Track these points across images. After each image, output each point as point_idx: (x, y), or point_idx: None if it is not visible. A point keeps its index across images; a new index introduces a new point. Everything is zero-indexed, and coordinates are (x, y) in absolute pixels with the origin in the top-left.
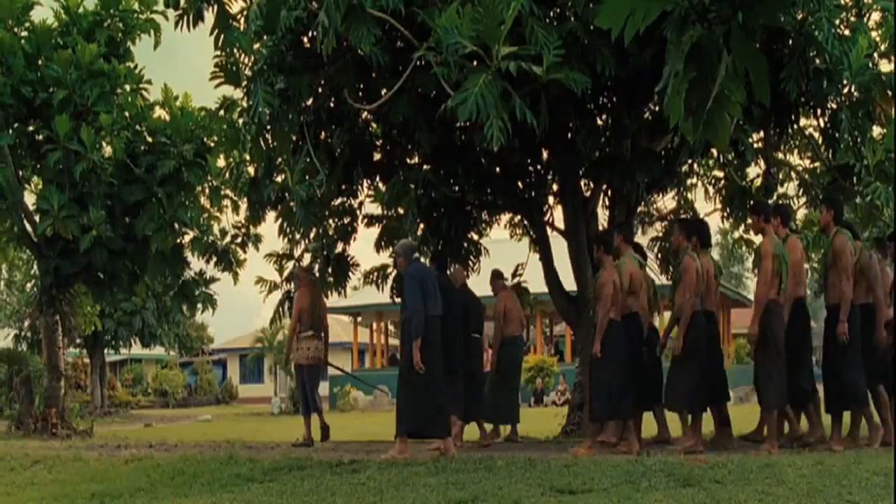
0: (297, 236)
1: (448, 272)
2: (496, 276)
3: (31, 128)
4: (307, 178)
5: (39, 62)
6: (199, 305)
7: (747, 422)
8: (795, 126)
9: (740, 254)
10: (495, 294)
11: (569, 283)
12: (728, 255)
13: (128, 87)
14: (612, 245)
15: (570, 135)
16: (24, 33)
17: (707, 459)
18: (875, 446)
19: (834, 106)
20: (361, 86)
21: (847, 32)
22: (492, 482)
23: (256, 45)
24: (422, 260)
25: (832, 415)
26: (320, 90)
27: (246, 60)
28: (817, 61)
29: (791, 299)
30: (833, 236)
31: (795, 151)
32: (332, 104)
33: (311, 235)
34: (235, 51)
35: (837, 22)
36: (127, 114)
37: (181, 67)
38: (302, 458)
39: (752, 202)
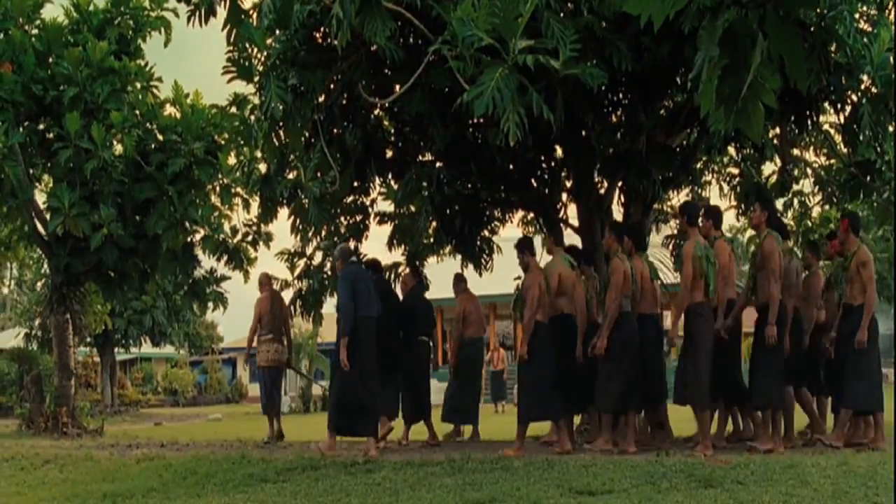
0: (310, 233)
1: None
2: (458, 279)
3: (41, 126)
4: (318, 175)
5: (50, 60)
6: (210, 304)
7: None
8: (815, 121)
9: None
10: (456, 296)
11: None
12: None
13: (138, 85)
14: (532, 246)
15: (584, 131)
16: (35, 31)
17: (728, 460)
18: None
19: (853, 100)
20: (375, 82)
21: (868, 27)
22: (509, 483)
23: (269, 41)
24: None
25: (761, 413)
26: (333, 86)
27: (259, 56)
28: (837, 55)
29: (723, 301)
30: (763, 238)
31: (811, 148)
32: (345, 100)
33: (323, 233)
34: (248, 46)
35: (857, 16)
36: (137, 111)
37: (191, 66)
38: (315, 458)
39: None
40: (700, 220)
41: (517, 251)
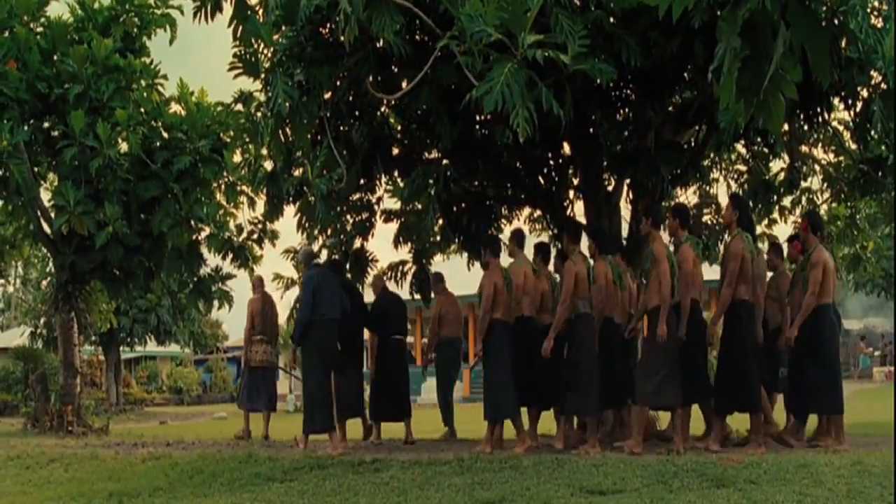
0: (317, 231)
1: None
2: (437, 279)
3: (46, 124)
4: (324, 172)
5: (55, 58)
6: (215, 302)
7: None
8: (826, 117)
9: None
10: (435, 296)
11: None
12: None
13: (143, 83)
14: (498, 246)
15: (591, 128)
16: (40, 29)
17: (740, 459)
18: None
19: (864, 96)
20: (381, 78)
21: (879, 23)
22: (519, 482)
23: (275, 36)
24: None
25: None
26: (339, 82)
27: (266, 52)
28: (849, 51)
29: (686, 305)
30: (732, 238)
31: (819, 145)
32: (351, 97)
33: (329, 231)
34: (253, 42)
35: (869, 10)
36: (142, 109)
37: (195, 64)
38: (323, 457)
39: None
40: (667, 219)
41: (483, 250)
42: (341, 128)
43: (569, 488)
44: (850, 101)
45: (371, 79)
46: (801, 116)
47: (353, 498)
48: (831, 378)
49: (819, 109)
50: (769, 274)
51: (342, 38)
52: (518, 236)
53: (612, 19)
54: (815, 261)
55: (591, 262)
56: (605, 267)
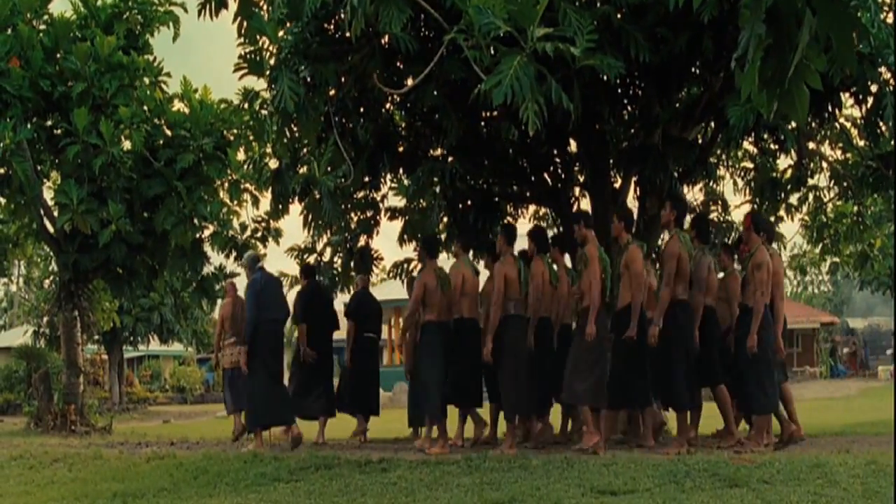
0: (323, 226)
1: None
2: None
3: (49, 122)
4: (329, 169)
5: (58, 55)
6: (219, 301)
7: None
8: (837, 113)
9: None
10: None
11: None
12: None
13: (147, 80)
14: (435, 248)
15: (598, 124)
16: (43, 26)
17: (753, 459)
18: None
19: (874, 91)
20: (387, 74)
21: (891, 18)
22: (529, 482)
23: (280, 33)
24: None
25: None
26: (344, 79)
27: (271, 48)
28: (860, 46)
29: (636, 306)
30: (669, 238)
31: (827, 142)
32: (357, 93)
33: (333, 228)
34: (258, 38)
35: (881, 3)
36: (146, 107)
37: (197, 62)
38: (329, 456)
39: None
40: (615, 223)
41: (418, 251)
42: (347, 125)
43: (579, 488)
44: (860, 97)
45: (377, 74)
46: (811, 113)
47: (361, 498)
48: (767, 378)
49: (829, 106)
50: (720, 274)
51: (348, 34)
52: (464, 240)
53: (619, 15)
54: (758, 261)
55: (553, 265)
56: (542, 266)
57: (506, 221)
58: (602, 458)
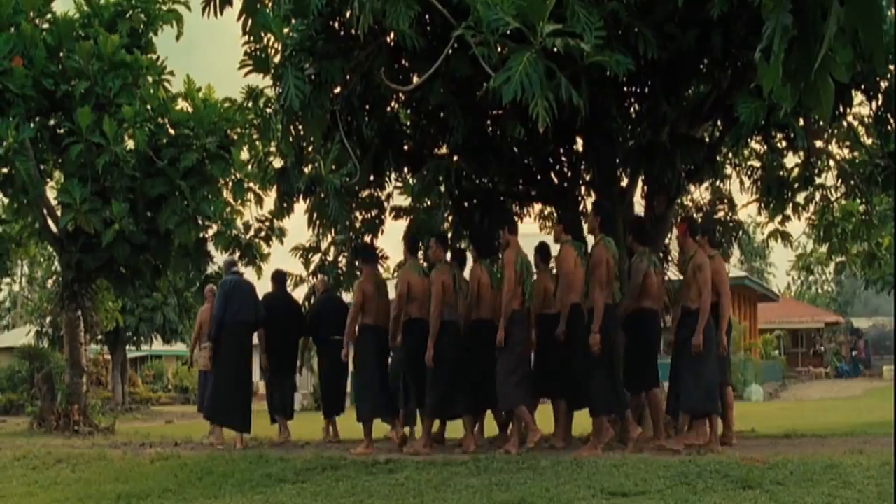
0: (328, 226)
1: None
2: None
3: (52, 121)
4: (334, 167)
5: (61, 54)
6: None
7: (783, 418)
8: (845, 111)
9: (761, 248)
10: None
11: None
12: (756, 249)
13: (150, 79)
14: (373, 255)
15: (605, 122)
16: (46, 25)
17: (765, 460)
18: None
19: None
20: (393, 71)
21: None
22: (538, 483)
23: (286, 30)
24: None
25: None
26: (349, 77)
27: (276, 45)
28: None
29: (566, 307)
30: (595, 244)
31: (834, 140)
32: (363, 90)
33: (338, 227)
34: (263, 36)
35: None
36: (149, 106)
37: (200, 62)
38: (335, 457)
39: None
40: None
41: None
42: (353, 123)
43: (590, 490)
44: (871, 94)
45: (384, 71)
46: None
47: (368, 500)
48: (709, 378)
49: (839, 103)
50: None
51: (354, 31)
52: (412, 244)
53: (627, 11)
54: (698, 263)
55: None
56: (481, 271)
57: (441, 232)
58: (612, 459)
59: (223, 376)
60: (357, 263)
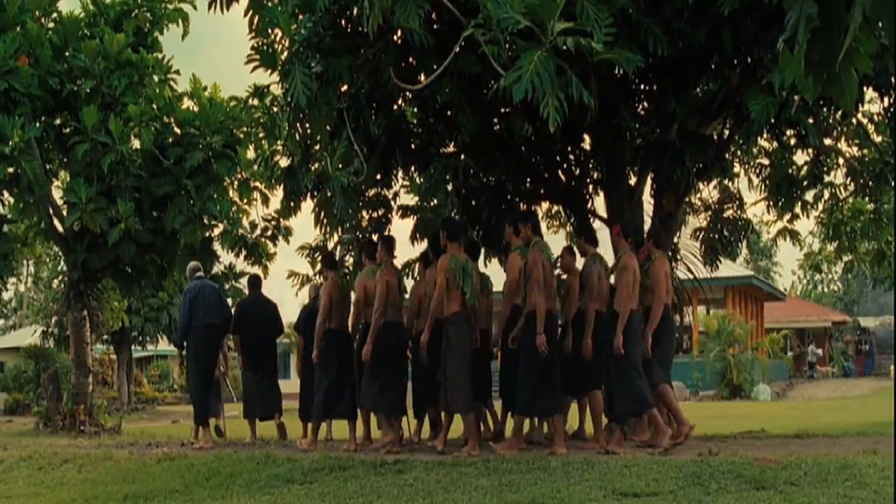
0: (335, 225)
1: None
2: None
3: (58, 120)
4: (340, 166)
5: (67, 53)
6: (228, 300)
7: (792, 418)
8: (859, 107)
9: (767, 248)
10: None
11: None
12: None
13: (156, 78)
14: (332, 262)
15: (614, 120)
16: (52, 24)
17: (778, 460)
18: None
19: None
20: (400, 69)
21: None
22: (549, 484)
23: (293, 27)
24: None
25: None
26: (356, 74)
27: (284, 42)
28: (882, 38)
29: (506, 311)
30: (531, 248)
31: (843, 138)
32: (370, 88)
33: (345, 226)
34: (270, 33)
35: None
36: (155, 105)
37: (204, 61)
38: (343, 458)
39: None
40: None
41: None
42: (360, 120)
43: (601, 490)
44: (882, 91)
45: (393, 68)
46: (835, 107)
47: (377, 500)
48: (638, 379)
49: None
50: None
51: (362, 28)
52: (369, 249)
53: (638, 7)
54: (622, 265)
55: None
56: (434, 275)
57: (386, 234)
58: (623, 459)
59: (192, 377)
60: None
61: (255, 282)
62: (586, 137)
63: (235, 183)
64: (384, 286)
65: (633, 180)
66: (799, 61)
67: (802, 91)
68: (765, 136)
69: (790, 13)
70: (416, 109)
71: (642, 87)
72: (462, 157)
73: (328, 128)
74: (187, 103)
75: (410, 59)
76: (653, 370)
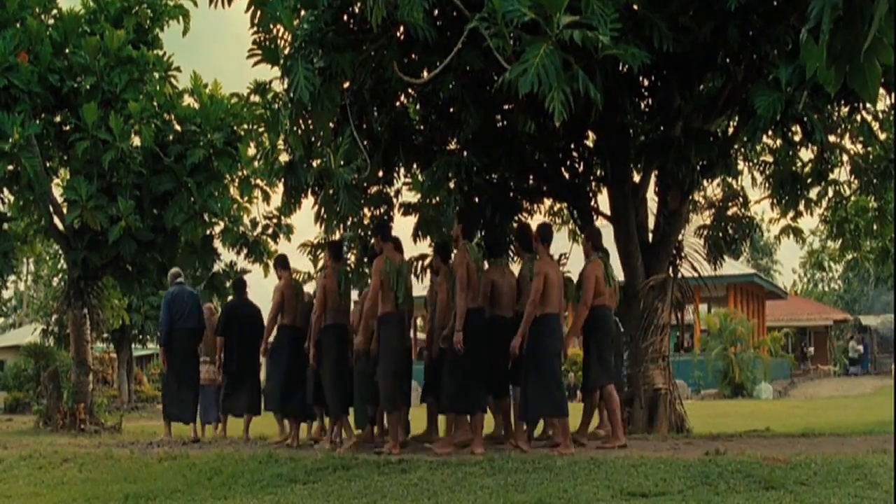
0: (336, 221)
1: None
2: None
3: (58, 117)
4: (342, 162)
5: (67, 50)
6: (229, 298)
7: (796, 416)
8: (862, 106)
9: (768, 246)
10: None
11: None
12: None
13: (156, 75)
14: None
15: (618, 116)
16: (52, 21)
17: (787, 459)
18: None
19: None
20: (403, 64)
21: None
22: (555, 484)
23: (295, 22)
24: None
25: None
26: (358, 70)
27: (286, 37)
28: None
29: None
30: (458, 250)
31: (848, 135)
32: (373, 83)
33: (348, 224)
34: (272, 28)
35: None
36: (155, 102)
37: (202, 60)
38: (347, 457)
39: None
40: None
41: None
42: (363, 116)
43: (608, 490)
44: (888, 88)
45: (395, 65)
46: (843, 103)
47: (381, 500)
48: (554, 383)
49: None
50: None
51: (366, 23)
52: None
53: (641, 3)
54: (537, 270)
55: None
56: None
57: (334, 238)
58: (630, 458)
59: (172, 376)
60: (276, 269)
61: (239, 284)
62: (590, 134)
63: (236, 180)
64: (321, 291)
65: (637, 177)
66: (821, 52)
67: (823, 82)
68: (770, 132)
69: (814, 2)
70: (418, 106)
71: (647, 83)
72: (465, 154)
73: (331, 124)
74: (188, 100)
75: (413, 55)
76: (591, 373)
